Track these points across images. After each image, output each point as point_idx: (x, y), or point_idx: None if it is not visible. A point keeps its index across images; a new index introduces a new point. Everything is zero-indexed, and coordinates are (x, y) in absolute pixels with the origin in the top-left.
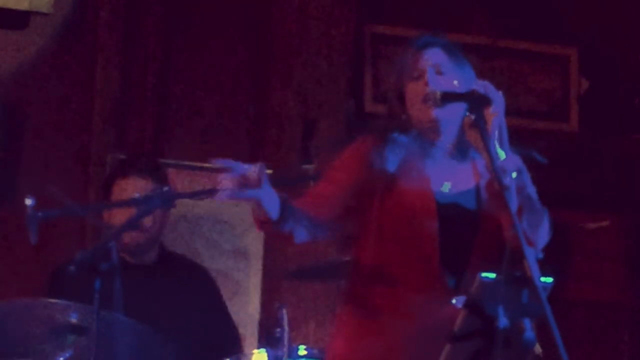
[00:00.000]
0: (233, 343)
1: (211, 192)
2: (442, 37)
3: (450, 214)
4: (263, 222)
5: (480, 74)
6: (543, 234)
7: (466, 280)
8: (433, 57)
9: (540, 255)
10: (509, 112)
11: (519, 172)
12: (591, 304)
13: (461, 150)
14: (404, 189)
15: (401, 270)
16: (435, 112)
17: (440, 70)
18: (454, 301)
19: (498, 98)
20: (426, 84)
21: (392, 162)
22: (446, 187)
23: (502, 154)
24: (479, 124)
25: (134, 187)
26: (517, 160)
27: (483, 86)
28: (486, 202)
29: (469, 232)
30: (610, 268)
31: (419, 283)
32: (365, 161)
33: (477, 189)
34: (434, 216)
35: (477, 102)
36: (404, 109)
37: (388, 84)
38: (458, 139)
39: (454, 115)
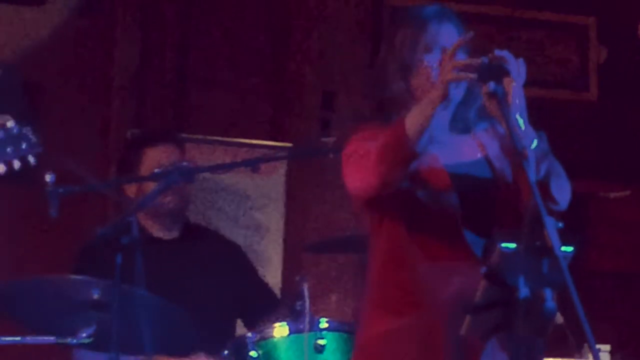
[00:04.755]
0: (272, 303)
1: (230, 166)
2: (451, 12)
3: (465, 184)
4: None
5: (499, 45)
6: (568, 195)
7: (491, 248)
8: (450, 35)
9: (561, 225)
10: (528, 83)
11: (539, 140)
12: (612, 273)
13: (459, 125)
14: (416, 169)
15: (428, 246)
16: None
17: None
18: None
19: (518, 67)
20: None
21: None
22: (454, 160)
23: (521, 123)
24: (498, 94)
25: (166, 154)
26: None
27: (502, 56)
28: (505, 169)
29: (487, 200)
30: (631, 237)
31: (446, 256)
32: None
33: (487, 159)
34: (451, 188)
35: (496, 72)
36: (407, 81)
37: (391, 54)
38: (455, 114)
39: (461, 91)
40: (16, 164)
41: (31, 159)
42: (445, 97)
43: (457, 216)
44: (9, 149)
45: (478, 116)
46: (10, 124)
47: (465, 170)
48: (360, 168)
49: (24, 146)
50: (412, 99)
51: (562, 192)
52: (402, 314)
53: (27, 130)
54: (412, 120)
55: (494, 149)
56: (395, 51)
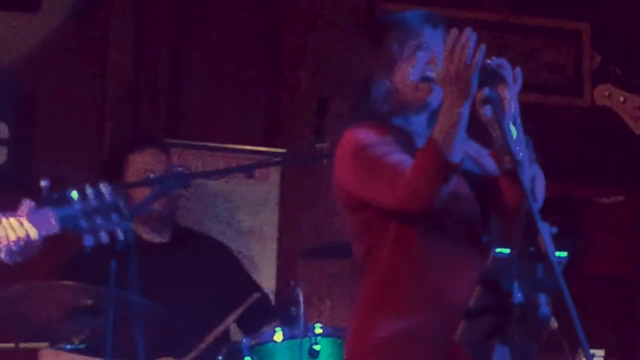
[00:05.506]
0: (264, 303)
1: (225, 172)
2: (444, 19)
3: (470, 178)
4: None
5: (493, 51)
6: (544, 192)
7: (491, 238)
8: (438, 41)
9: (555, 230)
10: (522, 88)
11: (527, 145)
12: (606, 278)
13: None
14: None
15: (446, 242)
16: (424, 93)
17: (435, 60)
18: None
19: (513, 74)
20: (433, 61)
21: (419, 138)
22: None
23: (513, 131)
24: (493, 100)
25: (151, 159)
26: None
27: (498, 63)
28: (490, 166)
29: (484, 192)
30: (625, 242)
31: (462, 251)
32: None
33: (471, 157)
34: (464, 181)
35: (490, 78)
36: (390, 77)
37: (379, 52)
38: (430, 120)
39: (438, 98)
40: (104, 237)
41: (120, 235)
42: (469, 93)
43: (476, 208)
44: (98, 220)
45: None
46: (104, 189)
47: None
48: (395, 186)
49: (114, 218)
50: (394, 96)
51: (542, 192)
52: (414, 313)
53: (120, 201)
54: (441, 132)
55: (472, 150)
56: (384, 49)
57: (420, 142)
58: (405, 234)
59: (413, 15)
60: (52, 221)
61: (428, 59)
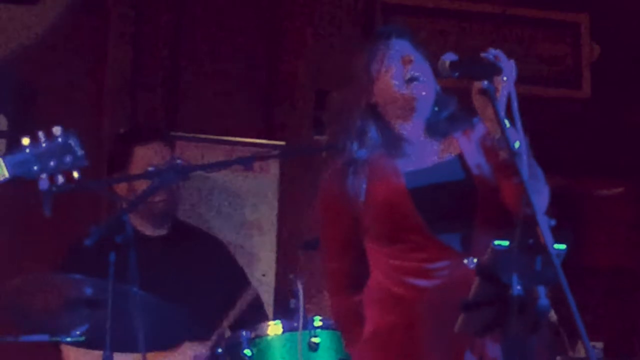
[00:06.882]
0: (255, 306)
1: (224, 165)
2: (401, 28)
3: (427, 189)
4: None
5: (492, 43)
6: (545, 199)
7: (473, 242)
8: (402, 46)
9: (553, 223)
10: (520, 80)
11: (525, 140)
12: (605, 270)
13: (434, 129)
14: (377, 192)
15: (405, 256)
16: (417, 91)
17: (411, 59)
18: (465, 261)
19: (509, 66)
20: (410, 62)
21: (358, 184)
22: (418, 166)
23: (507, 123)
24: (490, 92)
25: (157, 152)
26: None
27: (495, 55)
28: (482, 166)
29: (459, 197)
30: (624, 234)
31: (425, 259)
32: (344, 203)
33: (461, 157)
34: (408, 199)
35: (487, 70)
36: (370, 98)
37: (351, 88)
38: (430, 118)
39: (431, 94)
40: (59, 179)
41: (76, 174)
42: None
43: (420, 223)
44: (52, 163)
45: (450, 123)
46: (56, 131)
47: (429, 174)
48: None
49: (68, 159)
50: (383, 113)
51: (539, 195)
52: (382, 316)
53: (73, 141)
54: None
55: (469, 149)
56: (354, 82)
57: (408, 150)
58: (374, 249)
59: (368, 42)
60: (2, 168)
61: (399, 61)
